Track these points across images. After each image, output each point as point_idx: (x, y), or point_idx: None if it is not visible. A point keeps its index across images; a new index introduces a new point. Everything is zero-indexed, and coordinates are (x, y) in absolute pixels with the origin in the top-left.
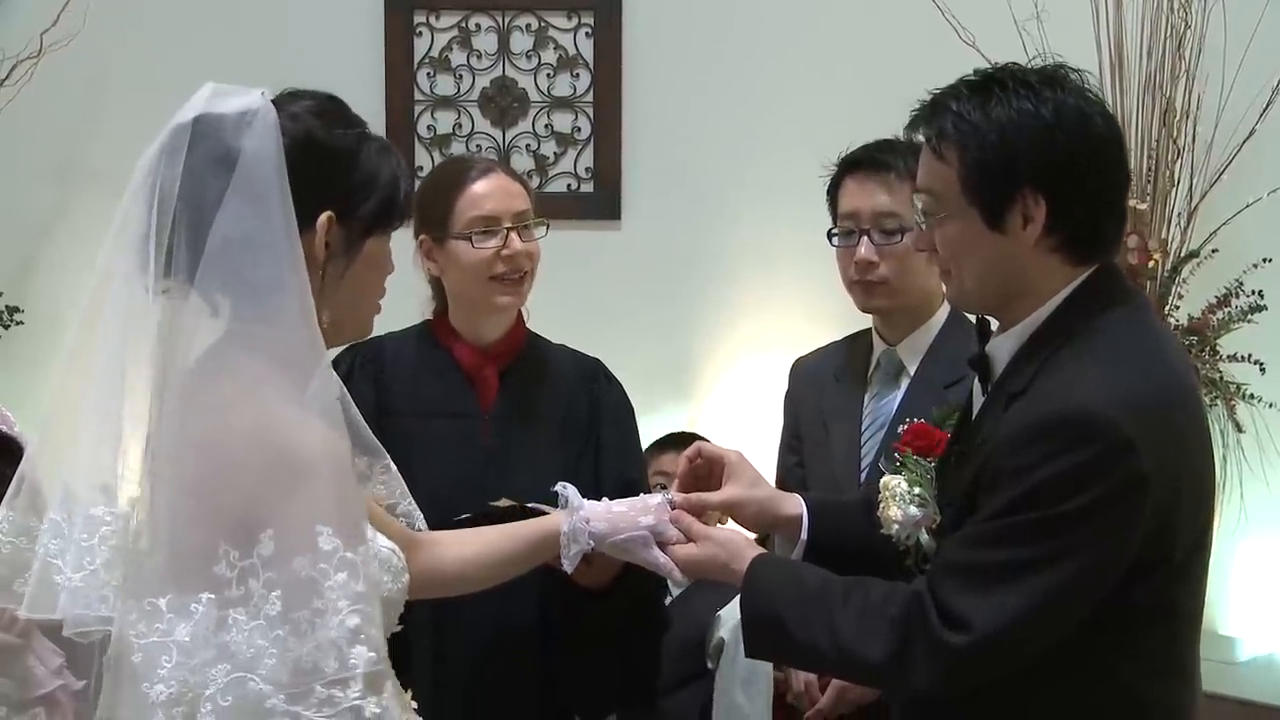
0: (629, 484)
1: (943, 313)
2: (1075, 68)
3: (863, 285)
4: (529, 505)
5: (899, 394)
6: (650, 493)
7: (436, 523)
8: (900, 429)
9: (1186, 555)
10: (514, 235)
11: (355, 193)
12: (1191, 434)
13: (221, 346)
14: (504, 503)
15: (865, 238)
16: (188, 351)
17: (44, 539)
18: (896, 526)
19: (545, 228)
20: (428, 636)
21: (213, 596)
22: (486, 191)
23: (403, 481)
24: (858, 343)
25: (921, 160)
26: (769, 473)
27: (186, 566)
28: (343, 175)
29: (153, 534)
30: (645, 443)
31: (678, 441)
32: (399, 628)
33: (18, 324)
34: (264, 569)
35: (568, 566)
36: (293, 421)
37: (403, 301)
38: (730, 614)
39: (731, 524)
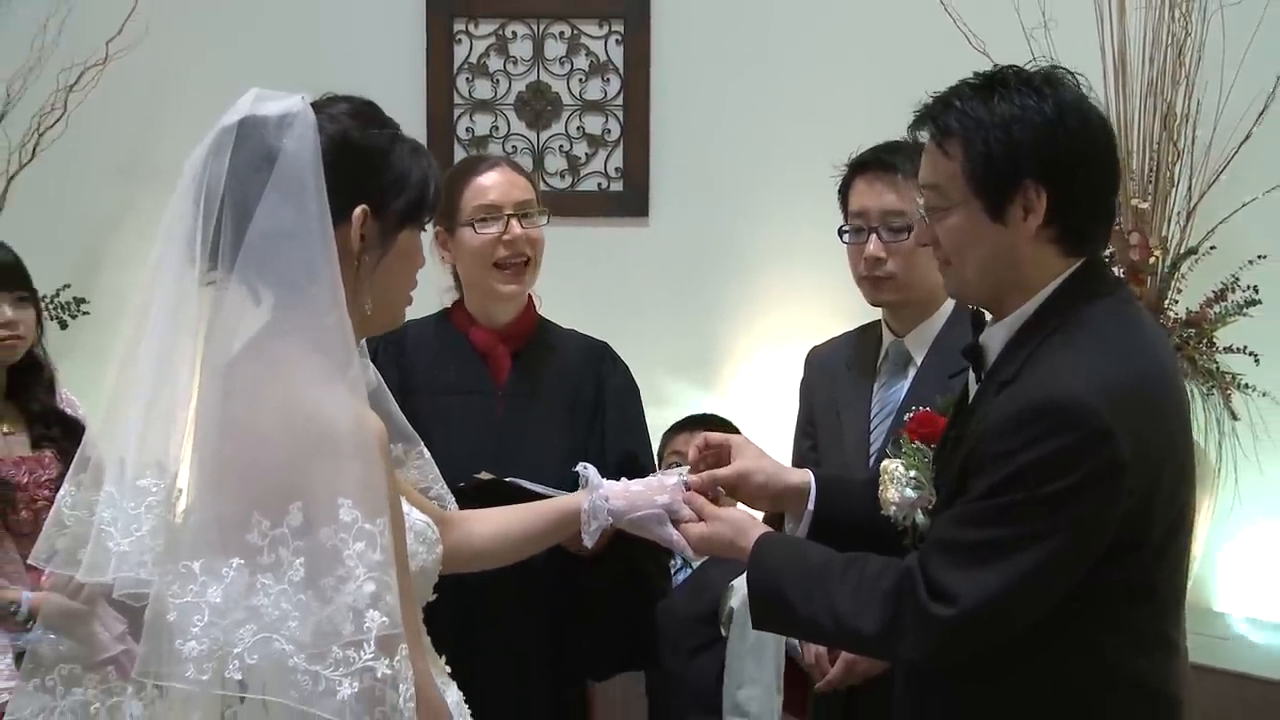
0: (631, 456)
1: (948, 306)
2: (1072, 71)
3: (871, 280)
4: (508, 480)
5: (906, 383)
6: (655, 465)
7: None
8: (906, 416)
9: (1165, 536)
10: (514, 222)
11: (388, 189)
12: (1173, 421)
13: (262, 333)
14: (485, 476)
15: (874, 235)
16: (232, 338)
17: (99, 510)
18: (894, 508)
19: (546, 217)
20: (450, 607)
21: (243, 562)
22: (490, 183)
23: (436, 468)
24: (868, 334)
25: (925, 157)
26: (786, 456)
27: (222, 534)
28: (376, 173)
29: (194, 505)
30: (664, 426)
31: (692, 423)
32: (433, 597)
33: (84, 314)
34: (293, 538)
35: (588, 541)
36: (321, 400)
37: (422, 290)
38: (741, 584)
39: (740, 507)
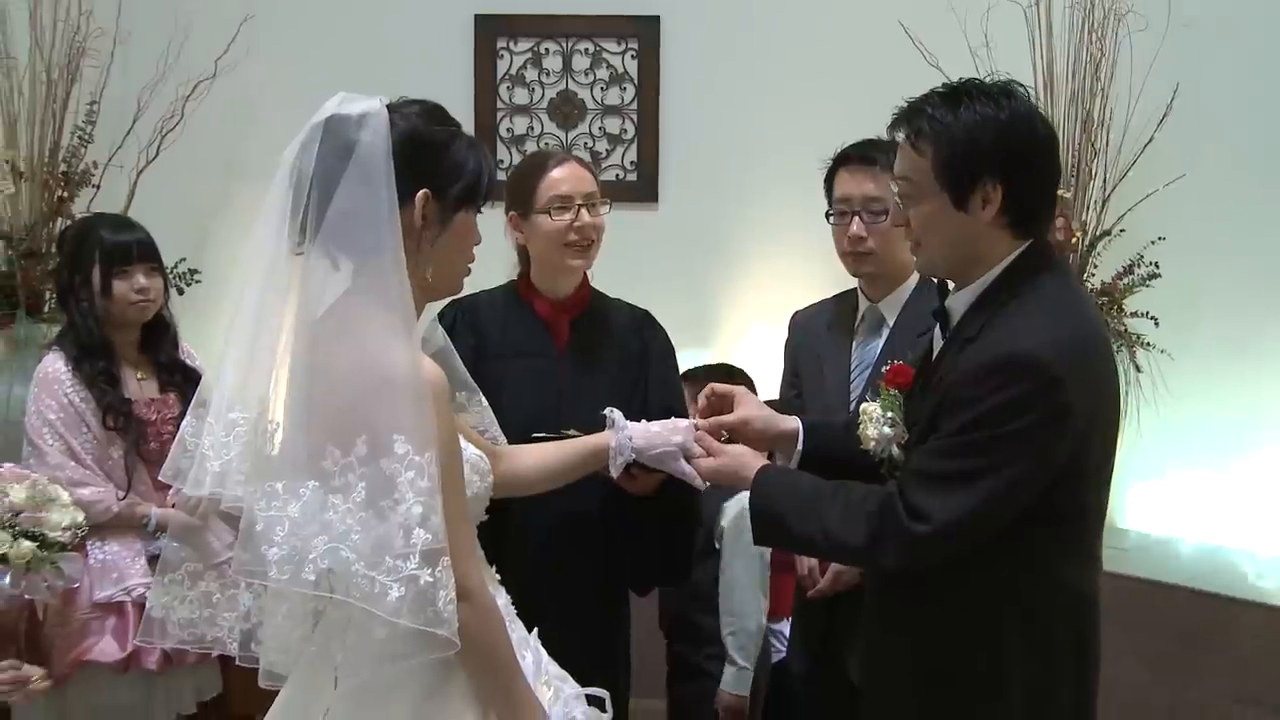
0: (670, 410)
1: (915, 276)
2: (1020, 83)
3: (854, 256)
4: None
5: (881, 341)
6: (689, 417)
7: (520, 440)
8: (884, 369)
9: (1097, 468)
10: (584, 211)
11: (447, 176)
12: (1104, 373)
13: (343, 295)
14: (572, 433)
15: (856, 218)
16: (319, 299)
17: (203, 437)
18: (874, 444)
19: (609, 205)
20: (515, 528)
21: (317, 484)
22: (562, 176)
23: (492, 413)
24: (845, 300)
25: (899, 154)
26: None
27: (302, 460)
28: (437, 162)
29: (285, 436)
30: None
31: (706, 371)
32: (485, 518)
33: (197, 282)
34: (359, 465)
35: (614, 473)
36: (385, 351)
37: (492, 266)
38: (732, 506)
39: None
